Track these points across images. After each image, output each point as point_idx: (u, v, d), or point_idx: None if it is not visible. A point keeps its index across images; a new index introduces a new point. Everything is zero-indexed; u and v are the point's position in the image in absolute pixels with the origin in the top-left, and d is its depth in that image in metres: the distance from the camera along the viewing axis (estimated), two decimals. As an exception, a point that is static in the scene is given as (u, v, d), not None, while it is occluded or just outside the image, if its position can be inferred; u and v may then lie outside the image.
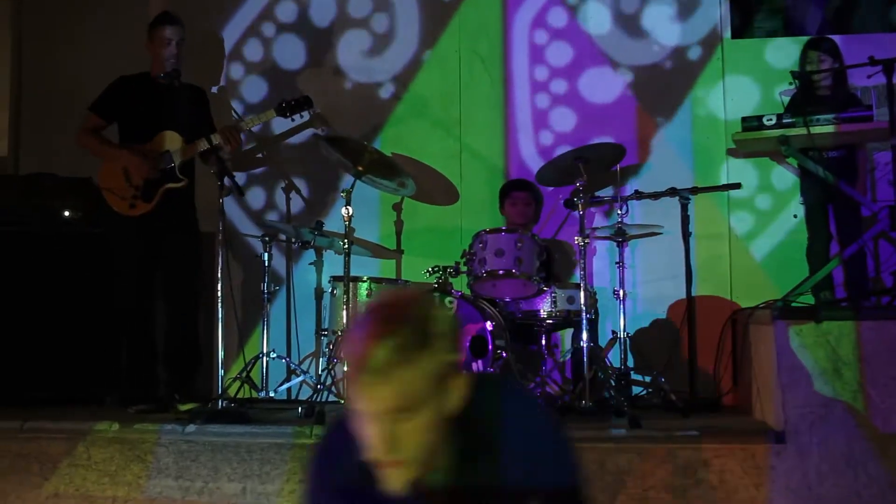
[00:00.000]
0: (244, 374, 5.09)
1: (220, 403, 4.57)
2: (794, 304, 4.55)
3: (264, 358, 5.18)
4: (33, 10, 6.35)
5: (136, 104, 5.22)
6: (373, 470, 1.88)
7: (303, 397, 5.46)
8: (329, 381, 4.89)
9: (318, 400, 4.77)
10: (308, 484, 2.11)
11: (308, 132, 5.97)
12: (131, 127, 5.26)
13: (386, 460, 1.85)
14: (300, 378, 5.36)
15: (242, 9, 6.22)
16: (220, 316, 4.68)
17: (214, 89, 6.08)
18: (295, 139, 6.04)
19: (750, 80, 5.74)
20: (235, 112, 5.90)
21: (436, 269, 4.99)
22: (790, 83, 5.31)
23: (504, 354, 4.80)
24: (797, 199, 5.44)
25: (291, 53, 6.18)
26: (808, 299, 4.96)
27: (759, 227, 5.66)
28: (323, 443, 2.12)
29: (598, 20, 5.94)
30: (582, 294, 4.68)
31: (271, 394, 5.16)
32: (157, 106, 5.16)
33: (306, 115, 5.54)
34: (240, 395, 5.21)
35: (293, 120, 5.46)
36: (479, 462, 1.95)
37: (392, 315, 1.84)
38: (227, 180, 4.67)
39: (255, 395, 5.18)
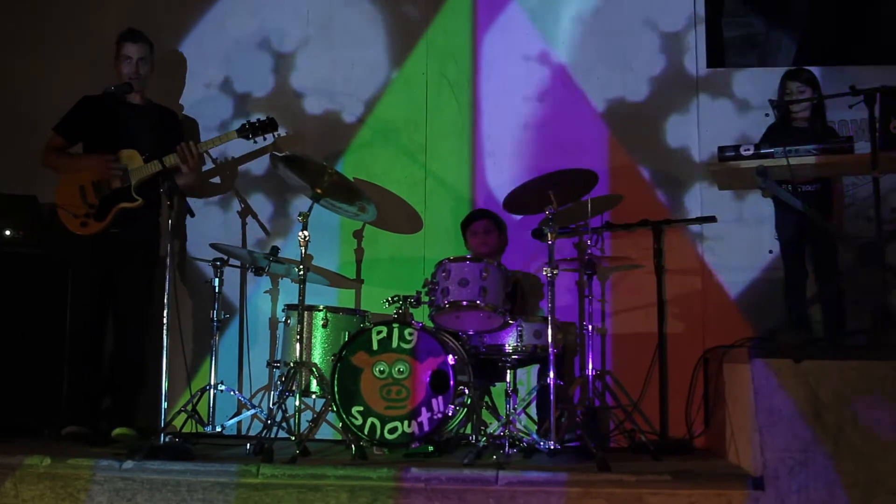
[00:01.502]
0: (190, 408, 4.83)
1: (162, 437, 4.29)
2: (770, 343, 4.39)
3: (211, 390, 4.93)
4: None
5: (99, 124, 5.13)
6: None
7: (254, 432, 5.21)
8: (280, 417, 4.63)
9: (269, 436, 4.53)
10: None
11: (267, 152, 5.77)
12: (95, 147, 5.17)
13: None
14: (250, 412, 5.08)
15: (199, 27, 6.03)
16: (165, 344, 4.44)
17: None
18: (252, 160, 5.81)
19: (725, 111, 5.61)
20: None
21: (395, 299, 4.77)
22: (766, 114, 5.21)
23: (466, 391, 4.55)
24: (773, 234, 5.29)
25: (252, 74, 5.98)
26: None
27: (733, 262, 5.49)
28: None
29: (570, 47, 5.80)
30: (550, 328, 4.45)
31: (218, 428, 4.89)
32: (120, 124, 5.08)
33: (270, 138, 5.35)
34: (186, 430, 4.98)
35: (255, 142, 5.29)
36: None
37: None
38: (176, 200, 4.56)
39: (201, 429, 4.92)
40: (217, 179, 5.89)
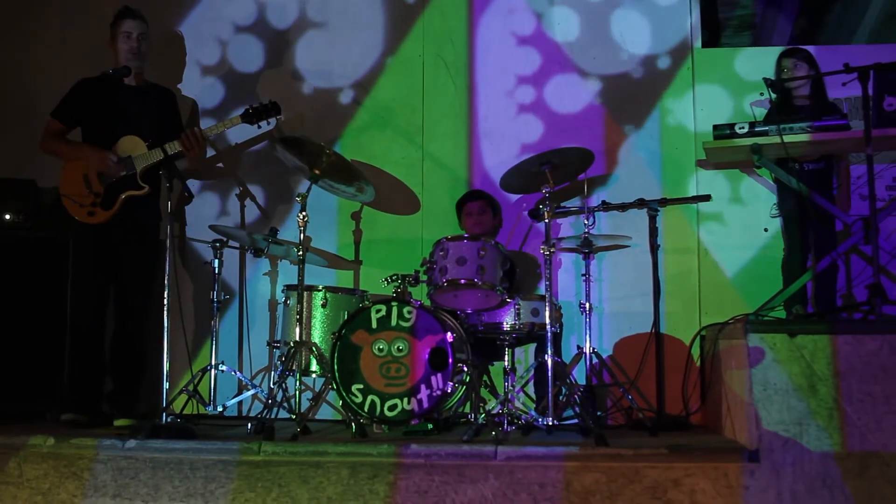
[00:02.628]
0: (191, 388, 4.87)
1: (164, 417, 4.33)
2: (766, 318, 4.42)
3: (212, 370, 4.96)
4: (-24, 12, 6.16)
5: (97, 107, 5.10)
6: None
7: (254, 413, 5.28)
8: (281, 397, 4.68)
9: (270, 416, 4.57)
10: None
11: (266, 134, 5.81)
12: (94, 130, 5.15)
13: None
14: (251, 392, 5.12)
15: (197, 9, 6.05)
16: (166, 326, 4.47)
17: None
18: (255, 144, 5.84)
19: (720, 90, 5.62)
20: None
21: (394, 277, 4.81)
22: (761, 94, 5.24)
23: (465, 368, 4.60)
24: (768, 213, 5.34)
25: (249, 56, 5.99)
26: (781, 314, 4.85)
27: (729, 240, 5.52)
28: None
29: (565, 28, 5.81)
30: (547, 306, 4.49)
31: (220, 408, 4.94)
32: (119, 108, 5.07)
33: (273, 122, 5.36)
34: (188, 410, 5.04)
35: (259, 127, 5.31)
36: None
37: None
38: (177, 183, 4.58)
39: (203, 409, 4.97)
40: (220, 164, 5.91)
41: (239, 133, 5.70)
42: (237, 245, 5.34)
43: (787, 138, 4.66)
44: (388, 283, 4.84)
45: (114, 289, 5.16)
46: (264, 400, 4.90)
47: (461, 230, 5.45)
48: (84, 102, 5.15)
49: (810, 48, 5.27)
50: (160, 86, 5.34)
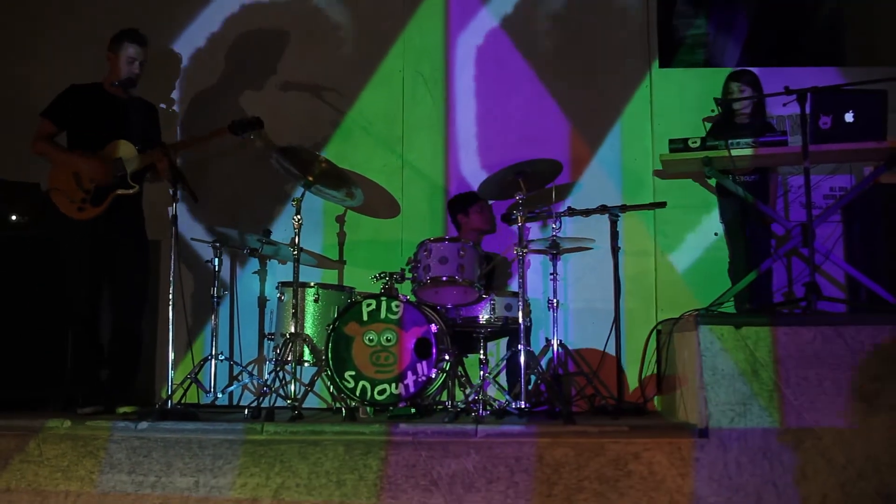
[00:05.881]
0: (193, 375, 5.17)
1: (169, 403, 4.67)
2: (715, 312, 4.88)
3: (213, 361, 5.30)
4: (-19, 18, 6.39)
5: (87, 113, 5.21)
6: None
7: (244, 402, 5.62)
8: (277, 384, 5.05)
9: (265, 403, 4.92)
10: None
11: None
12: (81, 135, 5.22)
13: None
14: (247, 380, 5.47)
15: (191, 27, 6.39)
16: (171, 319, 4.79)
17: (163, 105, 6.21)
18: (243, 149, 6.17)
19: (676, 107, 6.10)
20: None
21: (382, 275, 5.21)
22: (713, 110, 5.70)
23: (446, 357, 5.02)
24: (718, 218, 5.79)
25: (238, 70, 6.34)
26: (730, 310, 5.31)
27: (681, 243, 6.01)
28: None
29: (534, 48, 6.27)
30: (521, 302, 4.92)
31: (219, 395, 5.27)
32: (108, 116, 5.20)
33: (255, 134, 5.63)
34: (185, 400, 5.30)
35: (242, 137, 5.49)
36: None
37: None
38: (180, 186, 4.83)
39: (196, 398, 5.31)
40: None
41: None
42: (236, 245, 5.58)
43: (733, 152, 5.14)
44: (377, 280, 5.23)
45: (108, 284, 5.25)
46: (260, 386, 5.24)
47: (459, 226, 5.85)
48: (74, 107, 5.22)
49: (756, 69, 5.74)
50: (144, 99, 5.44)
